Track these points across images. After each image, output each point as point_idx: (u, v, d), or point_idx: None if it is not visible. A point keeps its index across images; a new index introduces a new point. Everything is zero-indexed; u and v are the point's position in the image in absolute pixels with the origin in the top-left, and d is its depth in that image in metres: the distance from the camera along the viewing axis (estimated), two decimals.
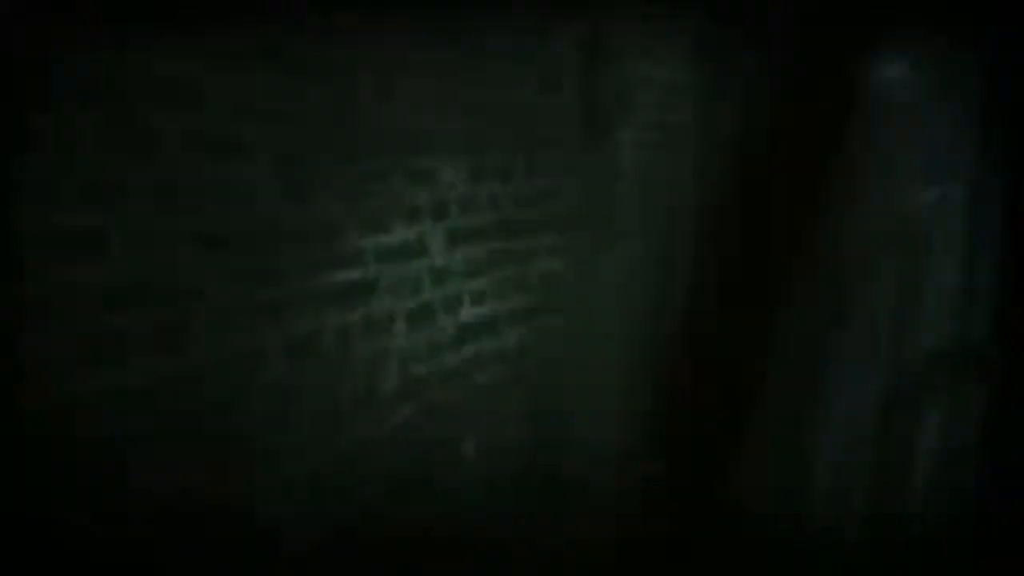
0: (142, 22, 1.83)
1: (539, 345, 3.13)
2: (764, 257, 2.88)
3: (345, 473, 2.47)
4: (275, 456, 2.25)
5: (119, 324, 1.85)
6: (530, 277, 3.08)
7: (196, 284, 2.02)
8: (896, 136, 3.54)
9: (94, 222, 1.80)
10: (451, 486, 2.84)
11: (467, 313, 2.81)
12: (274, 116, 2.16)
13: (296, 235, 2.25)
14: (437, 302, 2.72)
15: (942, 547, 3.52)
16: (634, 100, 3.35)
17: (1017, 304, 3.88)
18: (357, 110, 2.40)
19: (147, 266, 1.90)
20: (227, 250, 2.08)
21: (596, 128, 3.21)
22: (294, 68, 2.19)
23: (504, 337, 2.98)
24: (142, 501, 1.93)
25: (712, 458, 2.98)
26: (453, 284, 2.76)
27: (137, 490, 1.92)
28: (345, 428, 2.44)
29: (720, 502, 2.97)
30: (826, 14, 2.89)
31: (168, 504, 1.98)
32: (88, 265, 1.79)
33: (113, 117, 1.81)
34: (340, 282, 2.41)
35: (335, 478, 2.44)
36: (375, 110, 2.44)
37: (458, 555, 2.86)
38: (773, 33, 2.96)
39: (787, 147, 2.87)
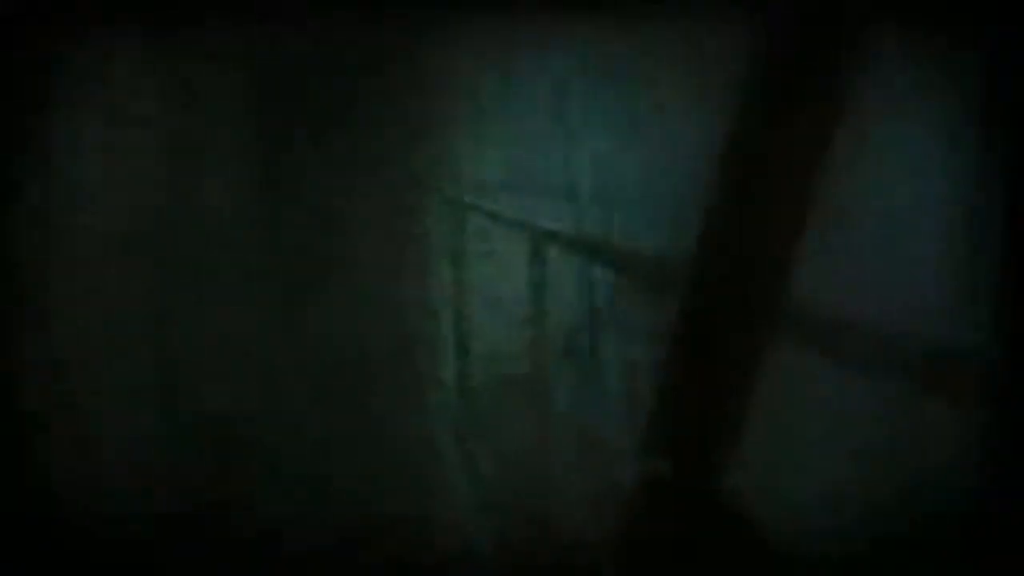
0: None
1: None
2: (766, 253, 2.87)
3: None
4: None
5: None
6: None
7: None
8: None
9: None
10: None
11: None
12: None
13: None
14: None
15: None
16: None
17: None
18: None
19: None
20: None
21: None
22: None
23: None
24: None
25: (718, 458, 2.95)
26: None
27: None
28: None
29: (726, 503, 2.96)
30: (824, 13, 2.89)
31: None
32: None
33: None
34: None
35: None
36: None
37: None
38: (771, 32, 2.95)
39: (781, 146, 2.86)
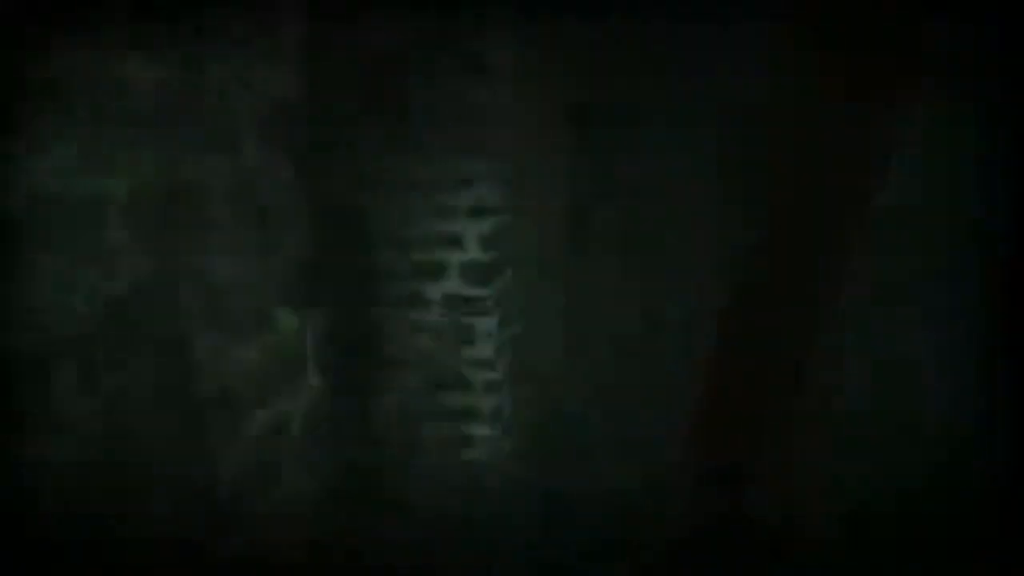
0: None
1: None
2: (803, 259, 2.87)
3: None
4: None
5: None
6: None
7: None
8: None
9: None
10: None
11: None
12: None
13: None
14: None
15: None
16: None
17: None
18: None
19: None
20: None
21: None
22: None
23: None
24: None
25: (737, 459, 2.95)
26: None
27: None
28: None
29: (744, 506, 2.95)
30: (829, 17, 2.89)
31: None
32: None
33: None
34: None
35: None
36: None
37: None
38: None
39: (837, 160, 2.86)
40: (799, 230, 2.86)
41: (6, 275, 1.61)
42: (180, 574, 1.97)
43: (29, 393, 1.63)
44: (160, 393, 1.92)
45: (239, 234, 2.16)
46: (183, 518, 1.99)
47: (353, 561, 2.77)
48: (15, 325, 1.62)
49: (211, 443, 2.09)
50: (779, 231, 2.87)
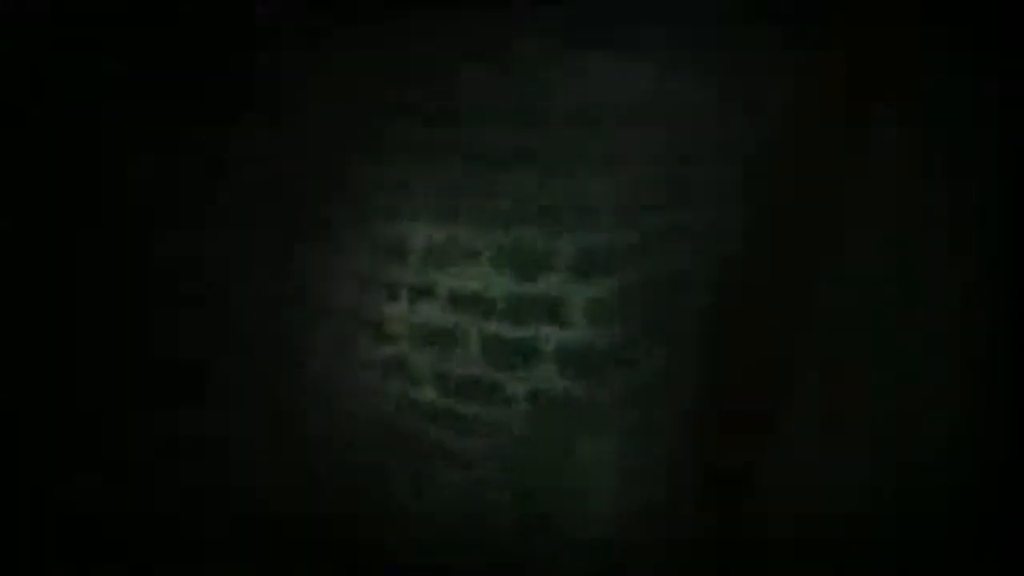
0: None
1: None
2: (805, 259, 2.87)
3: None
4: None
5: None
6: None
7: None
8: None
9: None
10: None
11: None
12: None
13: None
14: None
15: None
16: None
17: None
18: None
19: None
20: None
21: None
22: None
23: None
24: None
25: (744, 458, 2.95)
26: None
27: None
28: None
29: (749, 505, 2.95)
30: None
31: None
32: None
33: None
34: None
35: None
36: None
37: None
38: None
39: (816, 162, 2.87)
40: (797, 230, 2.86)
41: None
42: None
43: None
44: None
45: None
46: None
47: None
48: None
49: None
50: (778, 230, 2.89)
